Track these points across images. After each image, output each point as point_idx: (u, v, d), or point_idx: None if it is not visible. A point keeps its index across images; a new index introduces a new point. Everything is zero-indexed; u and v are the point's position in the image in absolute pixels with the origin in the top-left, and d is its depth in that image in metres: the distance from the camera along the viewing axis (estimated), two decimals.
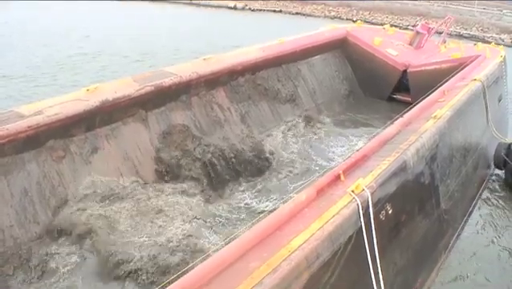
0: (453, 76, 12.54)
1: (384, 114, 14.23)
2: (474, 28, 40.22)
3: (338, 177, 6.47)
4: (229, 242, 5.14)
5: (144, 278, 6.95)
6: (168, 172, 9.53)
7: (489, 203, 11.67)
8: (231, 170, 10.07)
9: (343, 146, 12.29)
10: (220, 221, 8.50)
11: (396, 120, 9.15)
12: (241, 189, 9.95)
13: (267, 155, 10.94)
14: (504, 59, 15.26)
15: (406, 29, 28.28)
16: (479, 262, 9.24)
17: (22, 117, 7.95)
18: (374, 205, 6.07)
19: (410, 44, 17.49)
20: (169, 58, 21.30)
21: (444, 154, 9.23)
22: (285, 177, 10.51)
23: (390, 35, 18.02)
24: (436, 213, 8.72)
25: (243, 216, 8.87)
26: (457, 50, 16.31)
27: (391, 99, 16.26)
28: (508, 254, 9.60)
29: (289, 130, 12.65)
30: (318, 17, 45.23)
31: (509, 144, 12.46)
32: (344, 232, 5.59)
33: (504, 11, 44.69)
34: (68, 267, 7.30)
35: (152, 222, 8.00)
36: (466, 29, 39.62)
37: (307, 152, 11.79)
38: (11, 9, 37.38)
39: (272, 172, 10.67)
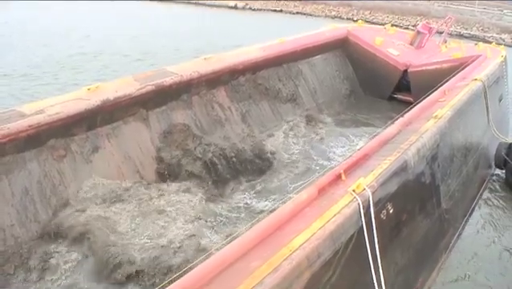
0: (453, 76, 12.54)
1: (385, 114, 14.24)
2: (475, 28, 40.19)
3: (339, 177, 6.47)
4: (230, 242, 5.14)
5: (145, 279, 6.93)
6: (168, 172, 9.54)
7: (490, 203, 11.66)
8: (232, 169, 10.06)
9: (344, 146, 12.27)
10: (221, 221, 8.49)
11: (397, 119, 9.15)
12: (242, 188, 9.95)
13: (268, 154, 10.93)
14: (505, 58, 15.25)
15: (407, 28, 28.23)
16: (480, 262, 9.24)
17: (23, 116, 7.96)
18: (375, 205, 6.07)
19: (411, 44, 17.48)
20: (170, 57, 21.28)
21: (445, 154, 9.23)
22: (285, 177, 10.50)
23: (391, 35, 18.01)
24: (437, 212, 8.72)
25: (244, 215, 8.87)
26: (457, 50, 16.31)
27: (392, 99, 16.26)
28: (509, 254, 9.60)
29: (290, 129, 12.64)
30: (319, 16, 45.21)
31: (510, 144, 12.47)
32: (345, 231, 5.59)
33: (504, 11, 44.64)
34: (69, 267, 7.28)
35: (153, 222, 7.98)
36: (467, 29, 39.59)
37: (308, 151, 11.78)
38: (11, 9, 37.38)
39: (273, 172, 10.66)
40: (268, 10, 47.66)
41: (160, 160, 9.65)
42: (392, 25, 22.25)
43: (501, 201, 11.76)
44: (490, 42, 19.67)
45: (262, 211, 8.70)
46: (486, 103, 12.22)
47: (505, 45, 23.52)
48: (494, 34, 37.65)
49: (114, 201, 8.44)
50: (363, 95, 16.65)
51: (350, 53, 16.85)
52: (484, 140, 12.14)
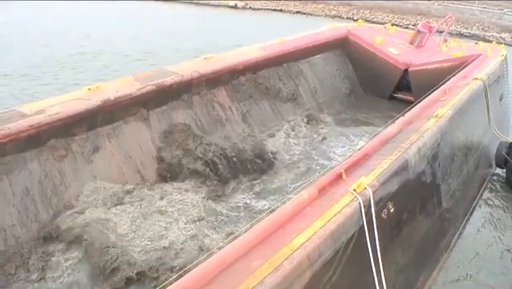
0: (454, 75, 12.53)
1: (386, 113, 14.24)
2: (475, 27, 40.18)
3: (340, 176, 6.47)
4: (231, 241, 5.14)
5: (146, 282, 6.92)
6: (169, 172, 9.54)
7: (491, 202, 11.66)
8: (232, 169, 10.05)
9: (344, 146, 12.26)
10: (222, 220, 8.50)
11: (398, 118, 9.15)
12: (243, 188, 9.94)
13: (268, 154, 10.92)
14: (505, 58, 15.24)
15: (407, 28, 28.21)
16: (481, 262, 9.23)
17: (23, 116, 7.96)
18: (376, 204, 6.07)
19: (411, 43, 17.48)
20: (170, 57, 21.28)
21: (446, 153, 9.22)
22: (286, 176, 10.50)
23: (391, 34, 18.02)
24: (437, 212, 8.72)
25: (245, 215, 8.87)
26: (458, 49, 16.31)
27: (392, 98, 16.25)
28: (510, 254, 9.58)
29: (290, 129, 12.64)
30: (319, 16, 45.20)
31: (511, 143, 12.46)
32: (346, 231, 5.59)
33: (504, 10, 44.58)
34: (69, 267, 7.27)
35: (154, 222, 7.99)
36: (467, 28, 39.59)
37: (308, 151, 11.79)
38: (11, 9, 37.36)
39: (273, 172, 10.66)
40: (268, 9, 47.64)
41: (160, 159, 9.65)
42: (392, 24, 22.27)
43: (501, 201, 11.76)
44: (491, 42, 19.66)
45: (262, 211, 8.68)
46: (487, 103, 12.21)
47: (505, 44, 23.46)
48: (494, 34, 37.64)
49: (114, 201, 8.44)
50: (364, 95, 16.65)
51: (350, 52, 16.85)
52: (484, 139, 12.13)
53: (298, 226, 5.30)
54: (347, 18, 41.86)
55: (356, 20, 23.50)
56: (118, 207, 8.33)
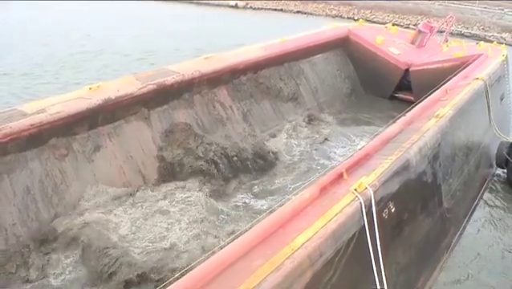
0: (455, 75, 12.53)
1: (386, 113, 14.23)
2: (475, 27, 40.13)
3: (341, 176, 6.47)
4: (232, 241, 5.13)
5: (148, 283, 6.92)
6: (170, 171, 9.54)
7: (491, 202, 11.64)
8: (233, 169, 10.06)
9: (345, 146, 12.28)
10: (224, 219, 8.50)
11: (399, 118, 9.15)
12: (244, 187, 9.95)
13: (269, 154, 10.93)
14: (506, 58, 15.23)
15: (408, 28, 28.19)
16: (482, 261, 9.22)
17: (24, 115, 7.97)
18: (377, 204, 6.06)
19: (412, 43, 17.47)
20: (171, 57, 21.27)
21: (447, 153, 9.22)
22: (287, 176, 10.51)
23: (392, 34, 18.00)
24: (438, 211, 8.71)
25: (246, 214, 8.87)
26: (459, 49, 16.30)
27: (393, 98, 16.24)
28: (511, 254, 9.57)
29: (291, 129, 12.64)
30: (320, 15, 45.13)
31: (511, 143, 12.45)
32: (347, 230, 5.59)
33: (505, 10, 44.55)
34: (70, 266, 7.30)
35: (155, 222, 7.99)
36: (467, 28, 39.55)
37: (309, 151, 11.79)
38: (11, 9, 37.33)
39: (274, 171, 10.68)
40: (269, 9, 47.59)
41: (161, 159, 9.65)
42: (393, 24, 22.25)
43: (502, 201, 11.74)
44: (491, 42, 19.63)
45: (264, 210, 8.68)
46: (488, 103, 12.21)
47: (506, 44, 23.46)
48: (495, 34, 37.60)
49: (115, 201, 8.45)
50: (364, 94, 16.64)
51: (351, 52, 16.84)
52: (485, 139, 12.13)
53: (299, 226, 5.30)
54: (348, 18, 41.78)
55: (357, 20, 23.51)
56: (118, 206, 8.35)
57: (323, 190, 6.07)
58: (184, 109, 10.70)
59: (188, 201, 8.66)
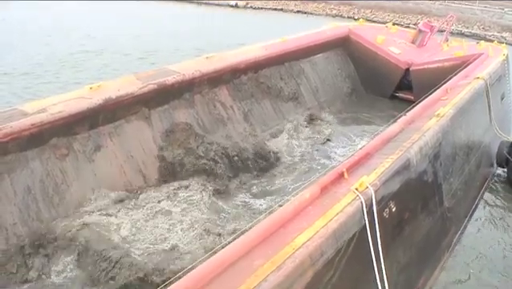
0: (455, 74, 12.52)
1: (387, 112, 14.23)
2: (476, 26, 40.17)
3: (341, 175, 6.47)
4: (233, 240, 5.13)
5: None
6: (170, 171, 9.53)
7: (492, 201, 11.66)
8: (234, 168, 10.04)
9: (346, 145, 12.26)
10: (225, 218, 8.49)
11: (399, 118, 9.15)
12: (245, 187, 9.93)
13: (270, 153, 10.91)
14: (506, 57, 15.24)
15: (408, 27, 28.18)
16: (483, 261, 9.23)
17: (25, 115, 7.95)
18: (377, 203, 6.07)
19: (412, 42, 17.48)
20: (171, 56, 21.29)
21: (447, 152, 9.22)
22: (287, 176, 10.49)
23: (392, 34, 18.00)
24: (439, 211, 8.72)
25: (248, 214, 8.85)
26: (459, 48, 16.32)
27: (393, 98, 16.25)
28: None
29: (292, 128, 12.61)
30: (320, 15, 45.18)
31: None
32: (348, 230, 5.59)
33: (505, 10, 44.59)
34: (71, 266, 7.28)
35: (156, 223, 7.98)
36: (468, 27, 39.57)
37: (310, 150, 11.77)
38: (11, 9, 37.32)
39: (275, 171, 10.66)
40: (269, 8, 47.61)
41: (162, 158, 9.63)
42: (394, 23, 22.25)
43: (503, 200, 11.76)
44: (492, 41, 19.64)
45: (265, 210, 8.69)
46: (488, 102, 12.21)
47: (506, 43, 23.47)
48: (495, 33, 37.61)
49: (116, 200, 8.44)
50: (365, 94, 16.64)
51: (351, 51, 16.83)
52: (486, 138, 12.13)
53: (300, 225, 5.29)
54: (348, 18, 41.83)
55: (357, 19, 23.51)
56: (119, 206, 8.33)
57: (324, 190, 6.06)
58: (184, 109, 10.69)
59: (190, 201, 8.64)
